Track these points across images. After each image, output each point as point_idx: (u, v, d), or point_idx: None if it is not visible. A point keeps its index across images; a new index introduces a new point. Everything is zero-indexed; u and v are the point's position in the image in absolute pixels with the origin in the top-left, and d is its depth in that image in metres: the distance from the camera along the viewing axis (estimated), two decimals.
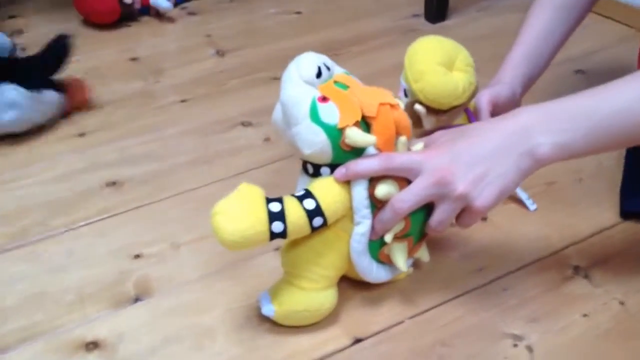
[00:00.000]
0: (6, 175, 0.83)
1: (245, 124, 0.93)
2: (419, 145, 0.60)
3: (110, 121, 0.94)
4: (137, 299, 0.65)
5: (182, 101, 0.99)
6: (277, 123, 0.59)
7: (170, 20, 1.23)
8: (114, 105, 0.97)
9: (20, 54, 1.09)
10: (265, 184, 0.57)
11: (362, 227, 0.57)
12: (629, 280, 0.65)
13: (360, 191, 0.56)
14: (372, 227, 0.57)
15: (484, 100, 0.69)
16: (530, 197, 0.74)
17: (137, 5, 1.22)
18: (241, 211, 0.53)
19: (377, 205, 0.57)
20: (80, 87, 0.97)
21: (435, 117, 0.67)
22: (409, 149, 0.59)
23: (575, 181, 0.78)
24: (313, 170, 0.58)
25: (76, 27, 1.20)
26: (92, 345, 0.60)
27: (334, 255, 0.59)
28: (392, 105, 0.57)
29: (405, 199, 0.55)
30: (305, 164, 0.59)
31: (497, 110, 0.70)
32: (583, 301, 0.63)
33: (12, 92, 0.85)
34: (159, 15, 1.24)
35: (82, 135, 0.91)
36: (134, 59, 1.10)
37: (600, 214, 0.73)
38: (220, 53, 1.12)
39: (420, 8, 1.21)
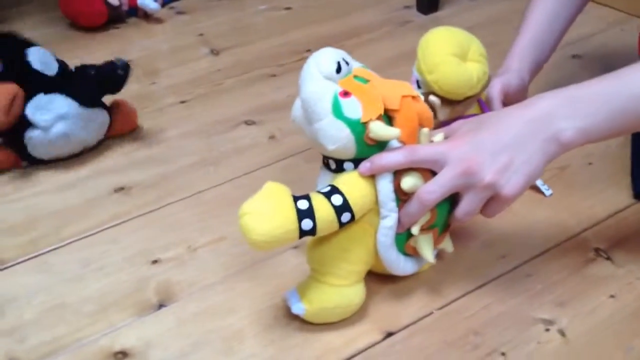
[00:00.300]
0: (10, 187, 0.81)
1: (249, 123, 0.92)
2: (439, 136, 0.60)
3: None
4: (160, 305, 0.64)
5: (182, 102, 0.97)
6: (296, 120, 0.58)
7: (160, 20, 1.21)
8: None
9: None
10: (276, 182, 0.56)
11: (389, 220, 0.57)
12: None
13: (385, 185, 0.56)
14: (399, 220, 0.57)
15: (495, 89, 0.69)
16: (544, 182, 0.75)
17: (125, 7, 1.19)
18: (269, 210, 0.52)
19: (402, 198, 0.57)
20: (130, 111, 0.90)
21: (450, 108, 0.67)
22: (430, 141, 0.59)
23: (586, 165, 0.79)
24: (336, 166, 0.57)
25: (64, 31, 1.17)
26: (121, 355, 0.59)
27: (361, 250, 0.58)
28: (413, 97, 0.57)
29: (432, 190, 0.55)
30: (326, 160, 0.58)
31: (508, 98, 0.71)
32: (608, 282, 0.64)
33: (62, 102, 0.80)
34: (147, 16, 1.22)
35: None
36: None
37: (613, 196, 0.74)
38: (214, 52, 1.10)
39: None
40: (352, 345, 0.59)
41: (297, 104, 0.58)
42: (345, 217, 0.55)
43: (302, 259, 0.67)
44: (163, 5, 1.23)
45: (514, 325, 0.60)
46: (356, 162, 0.56)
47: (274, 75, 1.03)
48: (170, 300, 0.64)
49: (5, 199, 0.79)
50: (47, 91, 0.80)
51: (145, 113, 0.95)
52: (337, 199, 0.54)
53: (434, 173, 0.56)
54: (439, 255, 0.66)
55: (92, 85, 0.84)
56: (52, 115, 0.79)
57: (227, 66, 1.06)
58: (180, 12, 1.24)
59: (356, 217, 0.55)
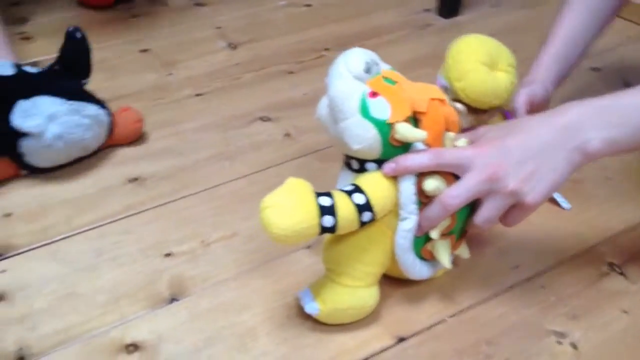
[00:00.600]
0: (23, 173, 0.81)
1: (265, 119, 0.92)
2: (462, 140, 0.60)
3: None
4: (173, 299, 0.64)
5: (198, 95, 0.97)
6: (321, 118, 0.58)
7: (178, 10, 1.21)
8: (128, 99, 0.95)
9: (33, 55, 1.06)
10: None
11: (409, 222, 0.57)
12: None
13: (408, 186, 0.56)
14: (418, 223, 0.57)
15: (521, 100, 0.69)
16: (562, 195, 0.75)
17: None
18: (291, 205, 0.52)
19: (423, 201, 0.57)
20: (134, 117, 0.85)
21: (473, 116, 0.67)
22: (454, 145, 0.59)
23: (603, 179, 0.79)
24: (358, 166, 0.57)
25: (81, 17, 1.17)
26: (133, 347, 0.59)
27: (378, 251, 0.58)
28: (441, 101, 0.57)
29: (456, 194, 0.55)
30: (349, 159, 0.58)
31: (532, 109, 0.70)
32: (621, 297, 0.63)
33: (47, 102, 0.74)
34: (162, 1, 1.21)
35: None
36: (144, 51, 1.08)
37: (630, 211, 0.74)
38: (232, 46, 1.10)
39: (431, 2, 1.21)
40: (365, 348, 0.59)
41: (323, 102, 0.58)
42: (366, 216, 0.55)
43: (315, 259, 0.68)
44: None
45: (526, 337, 0.60)
46: (379, 162, 0.56)
47: (292, 72, 1.03)
48: (182, 294, 0.64)
49: (19, 185, 0.78)
50: (24, 95, 0.74)
51: (161, 104, 0.94)
52: (359, 198, 0.54)
53: (456, 177, 0.56)
54: (454, 261, 0.66)
55: (64, 75, 0.79)
56: (42, 118, 0.73)
57: (244, 61, 1.06)
58: (199, 4, 1.24)
59: (377, 217, 0.55)
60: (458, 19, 1.18)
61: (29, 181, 0.79)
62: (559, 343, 0.59)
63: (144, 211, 0.75)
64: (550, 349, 0.58)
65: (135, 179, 0.80)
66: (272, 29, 1.15)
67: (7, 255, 0.68)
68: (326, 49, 1.09)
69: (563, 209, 0.74)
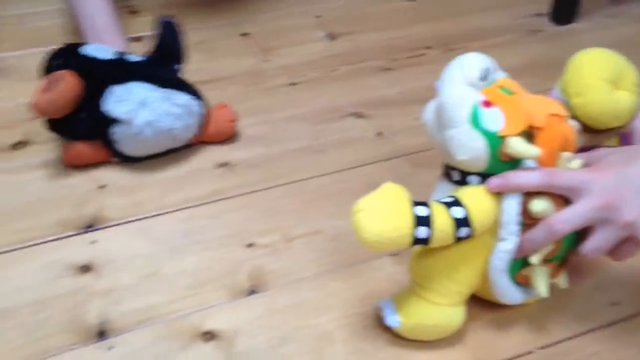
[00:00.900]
0: None
1: (357, 115, 0.90)
2: (576, 162, 0.55)
3: (220, 98, 0.92)
4: (252, 291, 0.63)
5: (292, 84, 0.96)
6: (427, 123, 0.56)
7: None
8: (224, 82, 0.95)
9: (137, 30, 1.09)
10: (378, 182, 0.53)
11: (508, 244, 0.53)
12: None
13: (513, 205, 0.52)
14: (519, 246, 0.53)
15: None
16: None
17: None
18: (386, 211, 0.50)
19: (525, 222, 0.53)
20: (228, 116, 0.83)
21: (588, 136, 0.62)
22: (568, 166, 0.55)
23: None
24: (460, 177, 0.54)
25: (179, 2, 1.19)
26: (209, 336, 0.59)
27: (470, 270, 0.55)
28: (560, 117, 0.53)
29: (566, 219, 0.51)
30: (450, 169, 0.55)
31: None
32: None
33: (139, 88, 0.74)
34: None
35: None
36: (244, 34, 1.08)
37: None
38: (330, 36, 1.08)
39: (543, 6, 1.14)
40: None
41: (431, 106, 0.56)
42: (463, 232, 0.52)
43: (399, 268, 0.65)
44: None
45: None
46: (482, 176, 0.53)
47: (388, 69, 1.00)
48: (261, 287, 0.64)
49: (114, 164, 0.80)
50: (118, 81, 0.75)
51: (255, 90, 0.94)
52: (458, 212, 0.52)
53: (566, 201, 0.52)
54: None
55: (158, 64, 0.79)
56: (133, 104, 0.73)
57: (341, 52, 1.04)
58: None
59: (474, 234, 0.52)
60: (572, 26, 1.11)
61: (123, 163, 0.81)
62: None
63: (230, 197, 0.75)
64: None
65: (225, 164, 0.80)
66: (372, 22, 1.12)
67: (98, 227, 0.70)
68: (426, 48, 1.05)
69: None
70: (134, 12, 1.13)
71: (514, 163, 0.53)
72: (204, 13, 1.13)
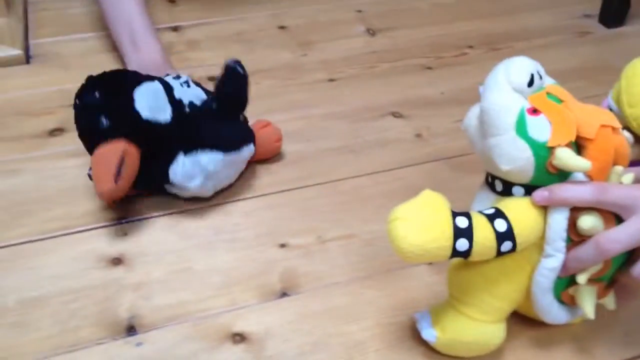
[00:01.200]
0: None
1: (396, 115, 0.87)
2: (628, 176, 0.52)
3: (256, 91, 0.90)
4: (284, 294, 0.62)
5: (330, 80, 0.94)
6: (468, 129, 0.53)
7: None
8: (260, 75, 0.94)
9: (175, 19, 1.07)
10: (416, 185, 0.51)
11: (554, 261, 0.51)
12: None
13: (560, 220, 0.50)
14: (564, 263, 0.51)
15: None
16: None
17: None
18: (425, 221, 0.48)
19: (572, 239, 0.50)
20: (274, 137, 0.77)
21: None
22: (620, 182, 0.52)
23: None
24: (503, 188, 0.52)
25: None
26: (239, 338, 0.58)
27: (512, 287, 0.53)
28: (614, 129, 0.50)
29: (617, 239, 0.48)
30: (492, 179, 0.53)
31: None
32: None
33: (207, 159, 0.66)
34: None
35: None
36: (282, 27, 1.06)
37: None
38: (370, 32, 1.06)
39: (592, 7, 1.10)
40: None
41: (473, 111, 0.53)
42: (506, 246, 0.49)
43: (436, 278, 0.63)
44: None
45: None
46: (527, 188, 0.50)
47: (430, 68, 0.97)
48: (293, 290, 0.62)
49: None
50: (184, 149, 0.66)
51: (293, 85, 0.92)
52: (501, 225, 0.49)
53: (617, 218, 0.50)
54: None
55: (219, 118, 0.69)
56: (201, 179, 0.67)
57: (381, 49, 1.01)
58: None
59: (518, 249, 0.50)
60: (622, 29, 1.07)
61: None
62: None
63: (265, 195, 0.73)
64: None
65: (259, 161, 0.78)
66: (414, 19, 1.10)
67: (130, 219, 0.69)
68: (469, 47, 1.02)
69: None
70: (172, 1, 1.12)
71: (562, 176, 0.50)
72: (242, 3, 1.11)
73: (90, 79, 0.68)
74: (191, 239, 0.67)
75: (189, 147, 0.66)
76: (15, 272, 0.63)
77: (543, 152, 0.48)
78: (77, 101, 0.67)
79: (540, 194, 0.50)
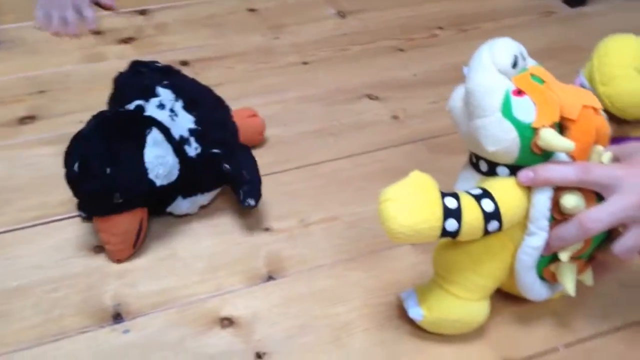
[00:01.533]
0: None
1: (372, 97, 0.88)
2: (607, 156, 0.54)
3: (230, 76, 0.90)
4: (269, 277, 0.62)
5: (304, 63, 0.94)
6: (453, 111, 0.54)
7: None
8: (233, 59, 0.93)
9: None
10: (395, 167, 0.52)
11: (537, 239, 0.52)
12: None
13: (543, 200, 0.51)
14: (547, 242, 0.52)
15: None
16: None
17: None
18: (415, 202, 0.49)
19: (555, 217, 0.52)
20: (258, 128, 0.77)
21: (615, 126, 0.61)
22: (601, 161, 0.54)
23: None
24: (488, 168, 0.53)
25: None
26: (227, 322, 0.58)
27: (496, 265, 0.54)
28: (595, 109, 0.51)
29: (599, 218, 0.50)
30: (477, 159, 0.54)
31: None
32: None
33: (203, 199, 0.68)
34: None
35: None
36: (252, 10, 1.05)
37: None
38: (341, 14, 1.05)
39: None
40: None
41: (457, 93, 0.53)
42: (493, 225, 0.50)
43: (420, 258, 0.64)
44: None
45: None
46: (511, 168, 0.52)
47: (402, 50, 0.98)
48: (279, 274, 0.63)
49: None
50: (184, 194, 0.66)
51: (265, 68, 0.92)
52: (488, 205, 0.50)
53: (599, 197, 0.51)
54: None
55: (218, 166, 0.66)
56: (196, 209, 0.68)
57: (352, 31, 1.01)
58: None
59: (503, 228, 0.51)
60: (585, 9, 1.09)
61: None
62: None
63: None
64: None
65: None
66: (383, 0, 1.10)
67: None
68: (439, 28, 1.03)
69: None
70: None
71: (546, 156, 0.51)
72: None
73: (87, 145, 0.59)
74: (173, 226, 0.67)
75: (189, 193, 0.66)
76: None
77: (528, 133, 0.49)
78: (77, 170, 0.59)
79: (525, 174, 0.51)
